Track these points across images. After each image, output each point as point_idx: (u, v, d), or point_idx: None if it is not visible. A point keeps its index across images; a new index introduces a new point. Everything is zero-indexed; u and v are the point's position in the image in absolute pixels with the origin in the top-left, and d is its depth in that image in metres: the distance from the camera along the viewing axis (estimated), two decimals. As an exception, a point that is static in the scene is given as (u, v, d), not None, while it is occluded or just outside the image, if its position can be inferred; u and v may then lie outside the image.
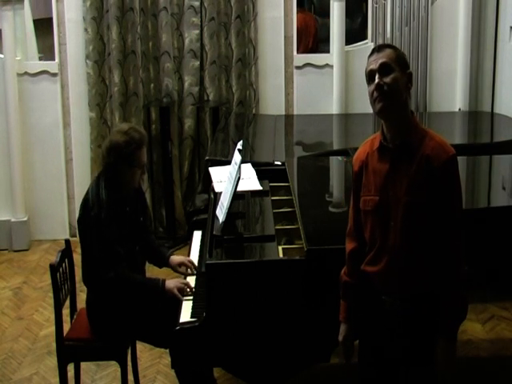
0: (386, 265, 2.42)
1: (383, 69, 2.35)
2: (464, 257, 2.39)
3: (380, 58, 2.37)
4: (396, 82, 2.35)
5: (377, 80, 2.35)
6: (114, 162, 3.21)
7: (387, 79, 2.34)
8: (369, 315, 2.53)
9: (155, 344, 3.40)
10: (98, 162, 5.60)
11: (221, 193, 3.38)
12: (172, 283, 3.20)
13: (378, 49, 2.41)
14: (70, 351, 3.29)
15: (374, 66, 2.37)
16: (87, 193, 3.26)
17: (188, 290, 3.18)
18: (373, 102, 2.38)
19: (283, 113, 5.75)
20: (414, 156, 2.37)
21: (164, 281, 3.23)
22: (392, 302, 2.44)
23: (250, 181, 3.70)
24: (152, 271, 3.72)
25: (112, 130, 5.47)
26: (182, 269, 3.42)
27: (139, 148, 3.23)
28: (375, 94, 2.35)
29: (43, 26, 6.35)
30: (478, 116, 5.62)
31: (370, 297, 2.51)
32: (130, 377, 3.54)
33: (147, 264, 3.52)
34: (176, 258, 3.46)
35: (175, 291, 3.16)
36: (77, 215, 3.31)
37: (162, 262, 3.47)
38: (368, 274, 2.49)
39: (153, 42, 5.62)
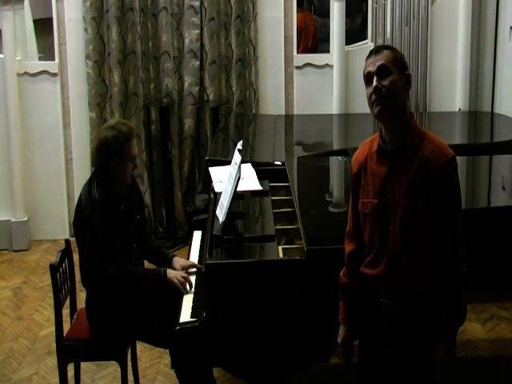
0: (385, 267, 2.41)
1: (381, 71, 2.32)
2: (465, 259, 2.39)
3: (378, 60, 2.34)
4: (394, 84, 2.32)
5: (375, 83, 2.32)
6: (105, 160, 3.20)
7: (385, 82, 2.32)
8: (368, 317, 2.53)
9: (155, 344, 3.40)
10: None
11: (221, 193, 3.38)
12: (173, 273, 3.23)
13: (375, 51, 2.38)
14: (70, 351, 3.29)
15: (371, 69, 2.34)
16: (80, 196, 3.25)
17: (188, 284, 3.18)
18: (371, 104, 2.35)
19: (283, 113, 5.75)
20: (413, 158, 2.35)
21: (165, 270, 3.24)
22: (391, 304, 2.43)
23: (250, 181, 3.70)
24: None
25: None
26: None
27: (128, 141, 3.21)
28: (373, 96, 2.33)
29: (43, 26, 6.35)
30: (477, 116, 5.62)
31: (369, 299, 2.50)
32: (130, 377, 3.55)
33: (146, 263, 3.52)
34: (179, 262, 3.40)
35: (176, 281, 3.17)
36: (74, 217, 3.30)
37: (164, 262, 3.45)
38: (367, 276, 2.48)
39: (153, 42, 5.62)
